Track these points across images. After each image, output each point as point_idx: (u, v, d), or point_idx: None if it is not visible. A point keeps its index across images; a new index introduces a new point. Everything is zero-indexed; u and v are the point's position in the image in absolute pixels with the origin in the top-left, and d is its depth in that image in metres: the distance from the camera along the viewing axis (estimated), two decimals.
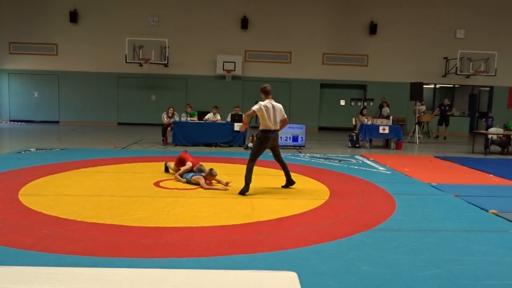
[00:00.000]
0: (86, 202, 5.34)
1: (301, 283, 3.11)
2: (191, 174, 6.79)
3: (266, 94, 6.27)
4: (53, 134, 14.03)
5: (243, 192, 6.03)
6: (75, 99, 18.44)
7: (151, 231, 4.32)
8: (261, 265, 3.47)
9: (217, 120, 12.31)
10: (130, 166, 8.06)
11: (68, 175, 7.09)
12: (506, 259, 3.82)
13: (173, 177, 7.09)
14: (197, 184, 6.55)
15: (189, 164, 7.07)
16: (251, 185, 6.63)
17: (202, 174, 6.69)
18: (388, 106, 16.55)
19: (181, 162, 7.35)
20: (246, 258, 3.68)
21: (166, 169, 7.59)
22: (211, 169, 6.62)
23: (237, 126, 11.77)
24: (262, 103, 6.21)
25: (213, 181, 6.63)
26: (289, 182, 6.61)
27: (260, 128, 6.32)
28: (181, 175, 6.90)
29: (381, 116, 15.17)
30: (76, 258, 3.54)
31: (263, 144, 6.28)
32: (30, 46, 18.09)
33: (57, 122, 18.48)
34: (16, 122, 18.09)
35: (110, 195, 5.75)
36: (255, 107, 6.20)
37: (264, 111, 6.13)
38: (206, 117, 12.32)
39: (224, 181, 6.66)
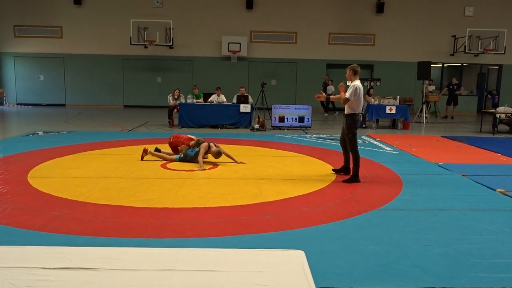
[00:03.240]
0: (94, 184, 5.38)
1: (308, 262, 3.13)
2: (195, 150, 6.83)
3: (355, 74, 5.81)
4: (60, 117, 14.08)
5: (354, 181, 5.75)
6: (81, 82, 18.41)
7: (159, 212, 4.36)
8: (268, 245, 3.49)
9: (222, 102, 12.25)
10: (137, 148, 8.04)
11: (76, 157, 7.14)
12: None
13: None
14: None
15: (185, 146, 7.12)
16: (257, 166, 6.67)
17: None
18: (332, 84, 16.12)
19: (176, 148, 7.30)
20: (254, 237, 3.70)
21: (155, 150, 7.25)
22: (219, 151, 6.76)
23: (243, 108, 11.72)
24: (357, 85, 5.70)
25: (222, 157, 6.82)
26: (346, 170, 6.13)
27: (350, 112, 5.80)
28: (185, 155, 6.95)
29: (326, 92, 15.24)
30: (86, 239, 3.59)
31: (357, 127, 5.86)
32: (34, 29, 17.98)
33: (63, 105, 18.51)
34: (23, 106, 18.14)
35: (118, 177, 5.79)
36: (349, 95, 5.65)
37: (359, 94, 5.71)
38: (210, 99, 12.25)
39: (239, 161, 6.83)
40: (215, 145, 6.86)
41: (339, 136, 6.35)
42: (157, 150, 7.24)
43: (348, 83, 5.97)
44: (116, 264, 3.01)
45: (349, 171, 6.01)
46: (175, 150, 7.33)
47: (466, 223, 4.17)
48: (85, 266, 2.96)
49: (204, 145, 6.76)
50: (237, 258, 3.17)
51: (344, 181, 5.77)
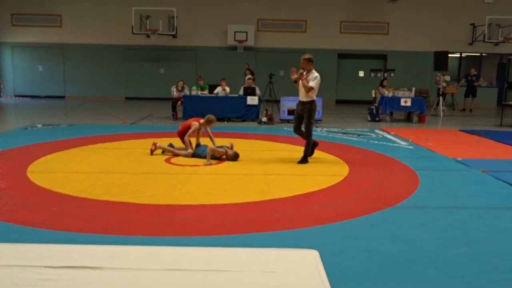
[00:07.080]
0: (96, 179, 5.27)
1: None
2: (205, 151, 6.60)
3: (312, 63, 6.36)
4: (60, 110, 13.97)
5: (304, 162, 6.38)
6: (81, 73, 18.19)
7: (164, 208, 4.27)
8: (278, 243, 3.38)
9: (226, 92, 11.96)
10: (140, 142, 7.95)
11: (77, 151, 7.03)
12: None
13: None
14: (218, 158, 6.51)
15: (195, 125, 6.83)
16: (265, 161, 6.58)
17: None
18: (251, 73, 14.68)
19: (184, 134, 7.05)
20: (263, 236, 3.60)
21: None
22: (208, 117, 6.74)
23: (250, 100, 11.50)
24: (319, 76, 6.31)
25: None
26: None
27: (310, 99, 6.33)
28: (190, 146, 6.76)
29: (245, 83, 13.04)
30: (87, 236, 3.51)
31: (315, 113, 6.56)
32: (33, 18, 17.68)
33: (62, 97, 18.31)
34: (21, 97, 17.94)
35: (121, 172, 5.68)
36: (315, 85, 6.21)
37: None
38: (216, 91, 12.01)
39: (228, 144, 6.70)
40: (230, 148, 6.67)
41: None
42: (170, 146, 7.05)
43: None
44: (121, 263, 2.97)
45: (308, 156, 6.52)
46: (183, 135, 7.08)
47: (487, 222, 4.03)
48: (89, 265, 2.91)
49: (195, 126, 6.72)
50: (247, 257, 3.10)
51: (298, 162, 6.36)
